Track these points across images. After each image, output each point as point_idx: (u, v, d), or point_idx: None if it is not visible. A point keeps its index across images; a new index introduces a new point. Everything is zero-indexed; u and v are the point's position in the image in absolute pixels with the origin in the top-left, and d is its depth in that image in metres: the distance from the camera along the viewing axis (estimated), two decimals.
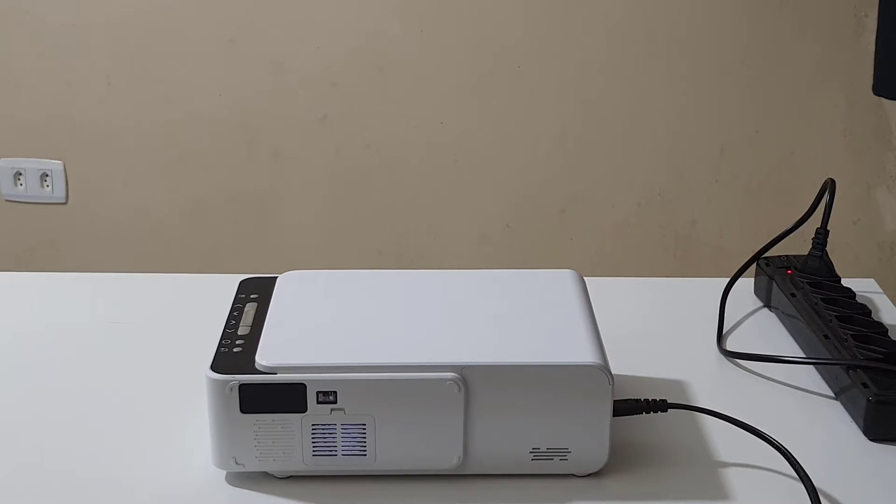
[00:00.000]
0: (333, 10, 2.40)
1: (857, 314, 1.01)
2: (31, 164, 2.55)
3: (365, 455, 0.82)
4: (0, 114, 2.51)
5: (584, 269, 1.02)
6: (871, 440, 0.89)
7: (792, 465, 0.83)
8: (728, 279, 1.13)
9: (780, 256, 1.14)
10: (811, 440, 0.89)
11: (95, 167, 2.54)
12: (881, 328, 0.99)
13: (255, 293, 0.94)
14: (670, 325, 1.10)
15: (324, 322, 0.88)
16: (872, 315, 1.02)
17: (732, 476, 0.85)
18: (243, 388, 0.80)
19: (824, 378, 0.98)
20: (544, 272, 0.96)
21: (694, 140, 2.47)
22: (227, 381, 0.80)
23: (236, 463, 0.82)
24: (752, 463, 0.86)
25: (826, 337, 0.99)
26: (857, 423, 0.91)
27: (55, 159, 2.54)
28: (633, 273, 2.47)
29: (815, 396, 0.96)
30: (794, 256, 1.14)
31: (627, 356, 0.96)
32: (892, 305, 1.13)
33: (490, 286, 0.94)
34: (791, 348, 1.04)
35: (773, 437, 0.85)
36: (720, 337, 1.06)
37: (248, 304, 0.92)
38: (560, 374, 0.81)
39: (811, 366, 1.00)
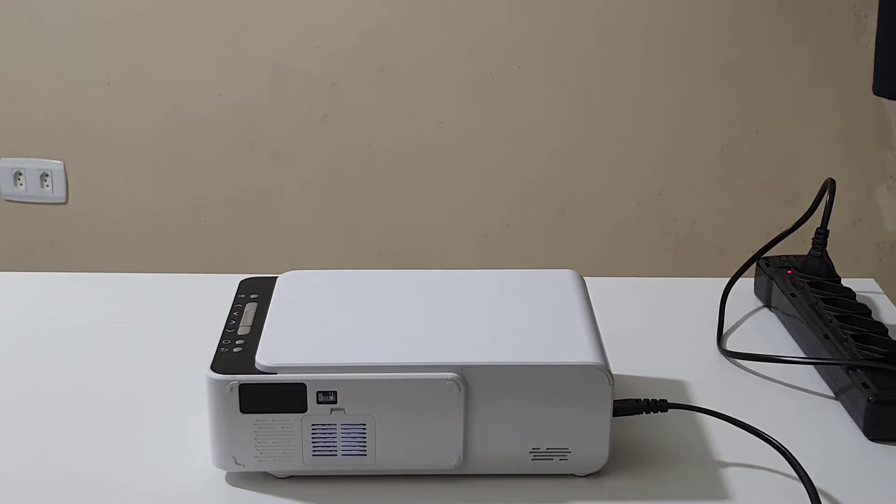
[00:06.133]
0: (333, 10, 2.40)
1: (857, 314, 1.01)
2: (31, 164, 2.55)
3: (365, 455, 0.82)
4: (0, 114, 2.51)
5: (584, 269, 1.02)
6: (871, 440, 0.89)
7: (792, 465, 0.83)
8: (728, 279, 1.13)
9: (780, 256, 1.14)
10: (811, 440, 0.89)
11: (95, 167, 2.54)
12: (881, 328, 0.99)
13: (255, 293, 0.94)
14: (670, 325, 1.10)
15: (324, 322, 0.88)
16: (872, 315, 1.02)
17: (732, 476, 0.85)
18: (243, 388, 0.80)
19: (824, 378, 0.98)
20: (544, 272, 0.96)
21: (694, 140, 2.47)
22: (227, 381, 0.80)
23: (236, 463, 0.82)
24: (752, 463, 0.86)
25: (826, 337, 0.99)
26: (857, 423, 0.91)
27: (55, 159, 2.54)
28: (633, 273, 2.47)
29: (815, 396, 0.96)
30: (794, 256, 1.14)
31: (627, 356, 0.96)
32: (892, 305, 1.13)
33: (490, 286, 0.94)
34: (791, 348, 1.04)
35: (773, 437, 0.85)
36: (720, 337, 1.06)
37: (248, 304, 0.92)
38: (560, 374, 0.81)
39: (811, 366, 1.00)
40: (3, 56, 2.47)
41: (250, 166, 2.52)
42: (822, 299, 1.04)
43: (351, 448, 0.82)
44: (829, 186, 1.10)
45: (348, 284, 0.94)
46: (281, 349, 0.83)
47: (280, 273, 0.97)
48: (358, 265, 2.50)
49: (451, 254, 2.55)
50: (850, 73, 2.39)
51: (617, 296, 1.14)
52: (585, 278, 0.97)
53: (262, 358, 0.81)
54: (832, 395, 0.96)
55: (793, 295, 1.07)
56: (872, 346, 0.95)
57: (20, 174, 2.56)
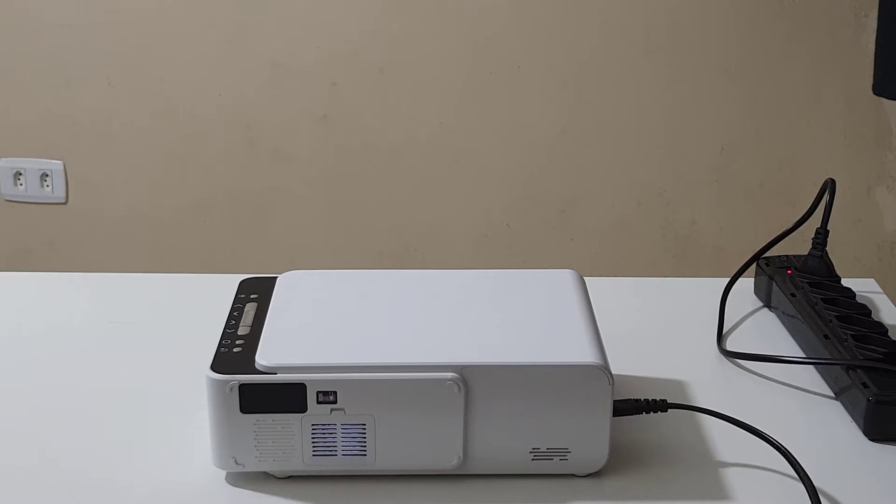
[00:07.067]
0: (333, 10, 2.40)
1: (857, 314, 1.01)
2: (31, 164, 2.55)
3: (365, 455, 0.82)
4: (0, 114, 2.51)
5: (584, 268, 1.02)
6: (871, 440, 0.89)
7: (792, 465, 0.83)
8: (728, 279, 1.13)
9: (780, 256, 1.14)
10: (811, 440, 0.89)
11: (95, 167, 2.54)
12: (881, 328, 0.99)
13: (255, 293, 0.94)
14: (670, 325, 1.10)
15: (324, 322, 0.88)
16: (872, 315, 1.02)
17: (732, 476, 0.85)
18: (243, 388, 0.80)
19: (824, 378, 0.98)
20: (544, 272, 0.96)
21: (694, 140, 2.47)
22: (227, 381, 0.80)
23: (236, 463, 0.82)
24: (752, 463, 0.86)
25: (826, 337, 0.99)
26: (857, 423, 0.91)
27: (55, 159, 2.54)
28: (633, 273, 2.47)
29: (815, 396, 0.96)
30: (794, 256, 1.14)
31: (627, 356, 0.97)
32: (892, 305, 1.13)
33: (490, 286, 0.94)
34: (791, 348, 1.04)
35: (773, 437, 0.85)
36: (720, 337, 1.06)
37: (248, 304, 0.92)
38: (560, 374, 0.81)
39: (811, 366, 1.00)
40: (3, 56, 2.47)
41: (250, 166, 2.52)
42: (822, 299, 1.04)
43: (351, 448, 0.82)
44: (829, 186, 1.10)
45: (348, 284, 0.95)
46: (281, 349, 0.83)
47: (280, 273, 0.97)
48: (358, 265, 2.50)
49: (451, 254, 2.55)
50: (850, 73, 2.39)
51: (617, 296, 1.14)
52: (585, 278, 0.97)
53: (262, 358, 0.81)
54: (832, 395, 0.96)
55: (793, 295, 1.07)
56: (872, 346, 0.95)
57: (20, 174, 2.56)
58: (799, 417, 0.93)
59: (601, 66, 2.42)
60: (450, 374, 0.80)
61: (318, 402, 0.80)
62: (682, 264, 2.54)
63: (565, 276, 0.95)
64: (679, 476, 0.85)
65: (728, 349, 1.04)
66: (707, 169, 2.48)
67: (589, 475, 0.84)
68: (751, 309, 1.13)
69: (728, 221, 2.52)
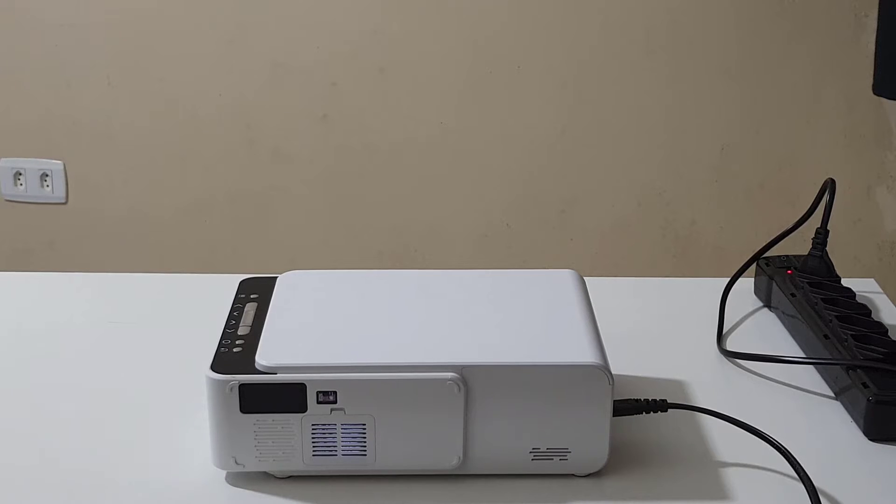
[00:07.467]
0: (333, 10, 2.40)
1: (857, 314, 1.01)
2: (31, 164, 2.55)
3: (365, 455, 0.82)
4: (0, 114, 2.51)
5: (584, 268, 1.02)
6: (871, 440, 0.89)
7: (792, 465, 0.83)
8: (728, 279, 1.13)
9: (780, 256, 1.14)
10: (811, 440, 0.89)
11: (95, 167, 2.54)
12: (881, 328, 0.99)
13: (255, 293, 0.94)
14: (670, 325, 1.10)
15: (324, 322, 0.88)
16: (872, 315, 1.02)
17: (732, 476, 0.85)
18: (243, 388, 0.80)
19: (824, 378, 0.98)
20: (544, 272, 0.96)
21: (694, 140, 2.47)
22: (227, 381, 0.80)
23: (236, 463, 0.82)
24: (752, 463, 0.86)
25: (826, 337, 0.99)
26: (857, 423, 0.91)
27: (55, 159, 2.54)
28: (633, 273, 2.47)
29: (815, 396, 0.96)
30: (794, 256, 1.14)
31: (627, 356, 0.97)
32: (892, 305, 1.13)
33: (490, 286, 0.94)
34: (791, 348, 1.04)
35: (773, 437, 0.85)
36: (720, 337, 1.06)
37: (248, 304, 0.92)
38: (560, 374, 0.81)
39: (811, 366, 1.00)
40: (3, 56, 2.47)
41: (250, 166, 2.52)
42: (822, 299, 1.04)
43: (351, 448, 0.82)
44: (829, 186, 1.10)
45: (348, 284, 0.95)
46: (281, 349, 0.83)
47: (280, 273, 0.97)
48: (358, 265, 2.50)
49: (451, 254, 2.55)
50: (850, 73, 2.39)
51: (617, 296, 1.14)
52: (585, 278, 0.97)
53: (262, 358, 0.81)
54: (832, 395, 0.96)
55: (793, 295, 1.07)
56: (872, 346, 0.95)
57: (20, 174, 2.56)
58: (799, 417, 0.93)
59: (601, 66, 2.42)
60: (450, 374, 0.80)
61: (318, 402, 0.80)
62: (682, 264, 2.54)
63: (565, 276, 0.95)
64: (679, 476, 0.85)
65: (728, 349, 1.04)
66: (707, 169, 2.48)
67: (589, 475, 0.84)
68: (751, 309, 1.13)
69: (728, 221, 2.52)
